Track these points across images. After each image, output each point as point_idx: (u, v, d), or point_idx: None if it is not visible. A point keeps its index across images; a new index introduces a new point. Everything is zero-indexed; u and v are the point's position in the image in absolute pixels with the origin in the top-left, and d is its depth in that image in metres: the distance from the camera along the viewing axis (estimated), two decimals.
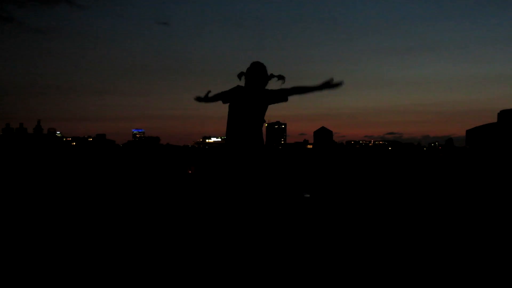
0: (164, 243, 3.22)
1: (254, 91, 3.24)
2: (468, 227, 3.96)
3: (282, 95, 3.23)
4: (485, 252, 3.08)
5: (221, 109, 3.50)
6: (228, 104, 3.31)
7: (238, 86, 3.30)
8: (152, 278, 2.48)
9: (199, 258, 2.82)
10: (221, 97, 3.34)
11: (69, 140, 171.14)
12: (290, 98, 3.25)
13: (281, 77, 3.27)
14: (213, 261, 2.75)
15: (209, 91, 3.35)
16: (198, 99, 3.42)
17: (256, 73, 3.22)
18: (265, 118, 3.28)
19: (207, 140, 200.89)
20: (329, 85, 3.12)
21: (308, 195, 6.28)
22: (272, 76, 3.28)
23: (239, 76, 3.28)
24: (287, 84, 3.26)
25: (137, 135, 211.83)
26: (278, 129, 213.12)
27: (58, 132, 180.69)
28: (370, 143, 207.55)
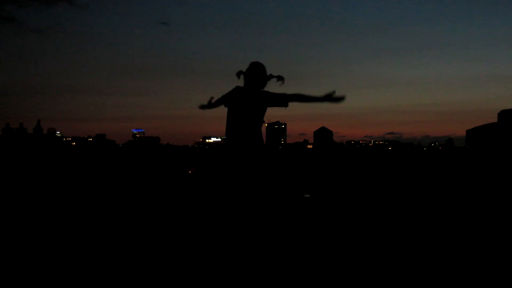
0: (164, 243, 3.21)
1: (253, 91, 3.23)
2: (468, 226, 3.96)
3: (282, 101, 3.22)
4: (485, 252, 3.08)
5: (221, 109, 3.50)
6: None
7: (237, 86, 3.29)
8: (152, 278, 2.47)
9: (198, 258, 2.82)
10: (223, 101, 3.34)
11: (69, 140, 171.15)
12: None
13: (280, 78, 3.26)
14: (213, 261, 2.75)
15: (212, 98, 3.36)
16: (202, 107, 3.43)
17: (255, 73, 3.21)
18: (265, 118, 3.27)
19: (207, 140, 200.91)
20: (331, 98, 3.11)
21: (308, 195, 6.28)
22: (271, 76, 3.27)
23: (238, 74, 3.27)
24: (286, 84, 3.25)
25: (137, 135, 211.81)
26: (278, 129, 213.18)
27: (58, 132, 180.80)
28: (370, 143, 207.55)
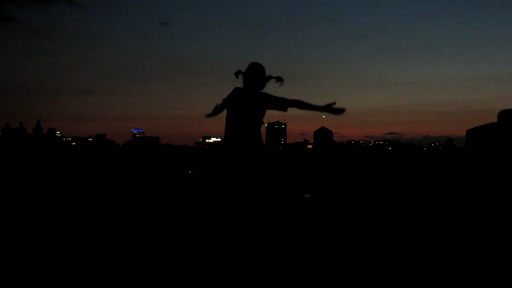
0: (164, 243, 3.22)
1: (252, 92, 3.23)
2: (468, 226, 3.96)
3: (282, 105, 3.22)
4: (485, 252, 3.08)
5: (224, 112, 3.51)
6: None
7: (236, 88, 3.29)
8: (152, 278, 2.48)
9: (198, 258, 2.82)
10: (225, 105, 3.34)
11: (69, 140, 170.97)
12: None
13: (279, 79, 3.26)
14: (213, 261, 2.75)
15: (217, 104, 3.36)
16: (209, 115, 3.43)
17: (254, 74, 3.20)
18: (265, 118, 3.27)
19: (207, 140, 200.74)
20: (330, 108, 3.11)
21: (308, 195, 6.28)
22: (270, 77, 3.27)
23: (236, 74, 3.26)
24: (286, 85, 3.25)
25: (137, 135, 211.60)
26: (278, 129, 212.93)
27: (58, 132, 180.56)
28: (370, 143, 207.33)
